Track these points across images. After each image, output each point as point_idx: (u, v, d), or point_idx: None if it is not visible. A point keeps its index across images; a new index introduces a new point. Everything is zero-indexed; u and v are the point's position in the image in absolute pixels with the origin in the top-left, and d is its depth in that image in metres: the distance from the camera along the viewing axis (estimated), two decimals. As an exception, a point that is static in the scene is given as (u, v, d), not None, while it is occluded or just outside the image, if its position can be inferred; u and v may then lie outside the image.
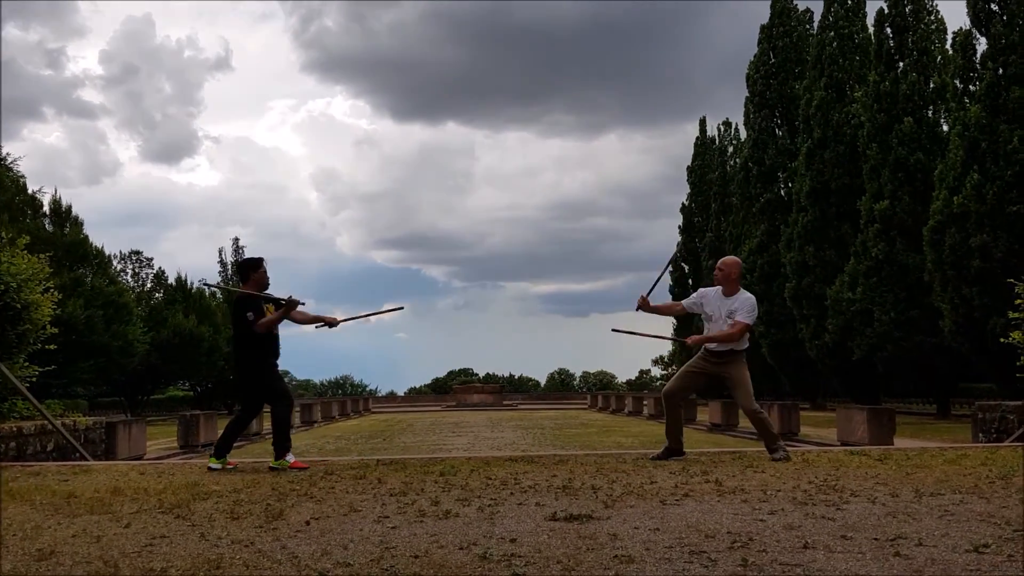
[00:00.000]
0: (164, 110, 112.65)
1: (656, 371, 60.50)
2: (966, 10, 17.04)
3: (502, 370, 69.95)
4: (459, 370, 67.92)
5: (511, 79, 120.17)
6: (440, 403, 40.93)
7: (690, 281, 37.82)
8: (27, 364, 8.30)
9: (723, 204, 34.48)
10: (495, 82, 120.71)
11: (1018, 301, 8.71)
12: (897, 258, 19.78)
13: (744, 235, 30.15)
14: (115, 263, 32.83)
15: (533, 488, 4.33)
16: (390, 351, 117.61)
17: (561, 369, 71.86)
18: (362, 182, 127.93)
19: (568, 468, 5.21)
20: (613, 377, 67.55)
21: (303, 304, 5.66)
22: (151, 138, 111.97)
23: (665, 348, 52.94)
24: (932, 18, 20.78)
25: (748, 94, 29.45)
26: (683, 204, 39.62)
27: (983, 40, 16.88)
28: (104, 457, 8.81)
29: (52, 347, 8.59)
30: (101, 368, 24.38)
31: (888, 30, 20.84)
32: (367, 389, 63.94)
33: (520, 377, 69.83)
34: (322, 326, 5.85)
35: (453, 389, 44.04)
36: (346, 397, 37.85)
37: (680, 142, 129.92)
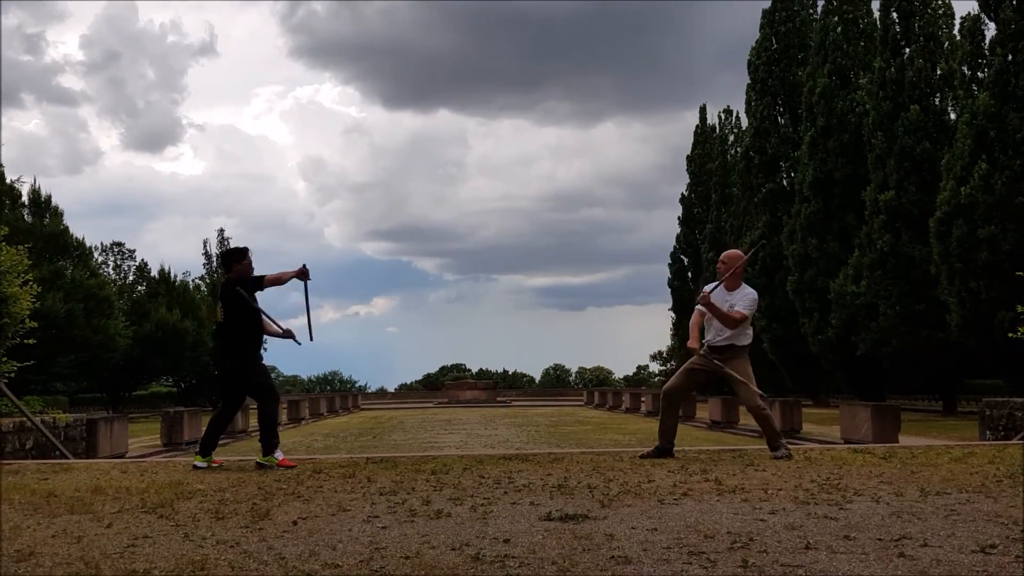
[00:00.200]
0: (147, 97, 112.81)
1: (654, 367, 60.58)
2: (974, -5, 16.89)
3: (496, 366, 70.38)
4: (451, 366, 68.18)
5: (505, 65, 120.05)
6: (432, 399, 40.91)
7: (689, 274, 37.75)
8: (5, 359, 8.26)
9: (723, 194, 34.35)
10: (489, 68, 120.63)
11: (1026, 293, 8.60)
12: (902, 250, 19.65)
13: (745, 226, 30.03)
14: (96, 255, 32.91)
15: (527, 487, 4.31)
16: (380, 346, 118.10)
17: (556, 365, 72.13)
18: (351, 171, 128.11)
19: (563, 467, 5.19)
20: (610, 373, 67.77)
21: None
22: (133, 126, 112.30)
23: (664, 343, 52.91)
24: (939, 2, 20.63)
25: (750, 81, 29.26)
26: (682, 194, 39.52)
27: (992, 25, 16.74)
28: (85, 455, 8.81)
29: (31, 342, 8.56)
30: (82, 363, 24.45)
31: (894, 15, 20.67)
32: (356, 385, 64.32)
33: (514, 373, 70.04)
34: (288, 339, 5.84)
35: (445, 385, 44.13)
36: (335, 393, 37.74)
37: (679, 130, 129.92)
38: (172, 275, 34.88)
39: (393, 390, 58.06)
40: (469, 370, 66.53)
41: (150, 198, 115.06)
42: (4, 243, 8.39)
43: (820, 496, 3.85)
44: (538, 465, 5.25)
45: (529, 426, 18.28)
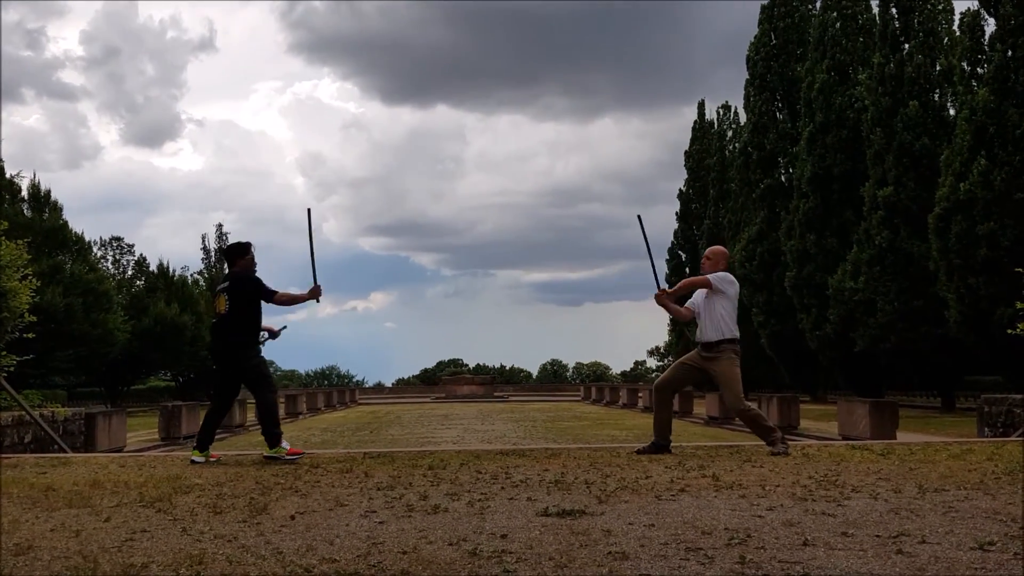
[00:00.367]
0: (146, 92, 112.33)
1: (652, 362, 60.62)
2: (974, -9, 16.85)
3: (493, 361, 70.18)
4: (448, 361, 68.15)
5: (504, 60, 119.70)
6: (429, 395, 40.92)
7: (687, 270, 37.73)
8: (4, 353, 8.25)
9: (722, 190, 34.33)
10: (487, 64, 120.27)
11: (1024, 290, 8.60)
12: (901, 246, 19.63)
13: (743, 222, 30.01)
14: (95, 250, 32.75)
15: (524, 482, 4.30)
16: (377, 341, 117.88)
17: (554, 360, 72.09)
18: (350, 167, 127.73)
19: (561, 462, 5.18)
20: (607, 368, 67.75)
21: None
22: (133, 121, 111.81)
23: (661, 338, 52.93)
24: (938, -2, 20.53)
25: (748, 76, 29.19)
26: (680, 190, 39.50)
27: (991, 21, 16.71)
28: (83, 449, 8.81)
29: (30, 336, 8.55)
30: (81, 358, 24.43)
31: (893, 10, 20.61)
32: (354, 380, 64.12)
33: (511, 368, 69.89)
34: (266, 338, 5.84)
35: (442, 380, 44.04)
36: (332, 388, 37.65)
37: (678, 126, 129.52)
38: (171, 270, 34.89)
39: (390, 385, 58.04)
40: (466, 365, 66.53)
41: (149, 193, 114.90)
42: (3, 238, 8.38)
43: (818, 493, 3.84)
44: (535, 460, 5.24)
45: (526, 421, 18.30)
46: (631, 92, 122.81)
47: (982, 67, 17.10)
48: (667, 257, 39.66)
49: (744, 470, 4.68)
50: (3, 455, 6.44)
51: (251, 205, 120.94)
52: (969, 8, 17.36)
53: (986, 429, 8.55)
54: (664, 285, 5.94)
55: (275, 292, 5.64)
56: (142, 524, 3.26)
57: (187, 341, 31.26)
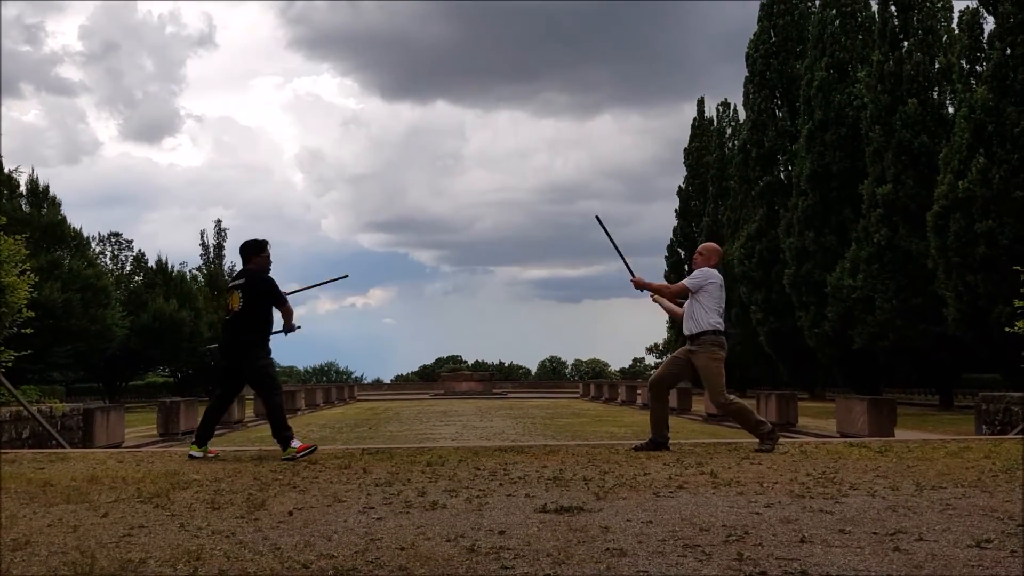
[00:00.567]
0: (145, 87, 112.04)
1: (650, 359, 60.63)
2: (973, -11, 16.82)
3: (492, 357, 70.12)
4: (447, 357, 68.03)
5: (503, 56, 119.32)
6: (428, 391, 40.94)
7: (686, 267, 37.72)
8: (2, 349, 8.25)
9: (721, 187, 34.33)
10: (487, 60, 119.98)
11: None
12: (900, 244, 19.63)
13: (742, 219, 30.01)
14: (94, 245, 32.73)
15: (523, 479, 4.30)
16: (376, 337, 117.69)
17: (553, 357, 71.95)
18: (349, 163, 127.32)
19: (559, 459, 5.18)
20: (606, 365, 67.67)
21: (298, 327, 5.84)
22: (132, 116, 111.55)
23: (660, 335, 52.92)
24: (938, -4, 20.49)
25: (748, 74, 29.19)
26: (680, 187, 39.48)
27: (990, 19, 16.69)
28: (81, 445, 8.82)
29: (28, 331, 8.55)
30: (79, 353, 24.39)
31: (892, 8, 20.58)
32: (352, 376, 63.85)
33: (510, 365, 69.80)
34: (277, 330, 5.85)
35: (441, 377, 43.99)
36: (331, 384, 37.51)
37: (677, 123, 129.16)
38: (169, 266, 34.81)
39: (389, 381, 58.02)
40: (465, 362, 66.49)
41: (148, 189, 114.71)
42: (2, 233, 8.37)
43: (816, 490, 3.85)
44: (533, 457, 5.25)
45: (525, 418, 18.30)
46: (631, 89, 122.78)
47: (981, 65, 17.08)
48: (666, 254, 39.69)
49: (742, 467, 4.68)
50: (1, 450, 6.44)
51: (250, 201, 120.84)
52: (968, 6, 17.41)
53: (984, 427, 8.56)
54: (640, 276, 6.05)
55: (286, 301, 5.68)
56: (140, 520, 3.25)
57: (185, 337, 31.21)
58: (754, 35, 28.90)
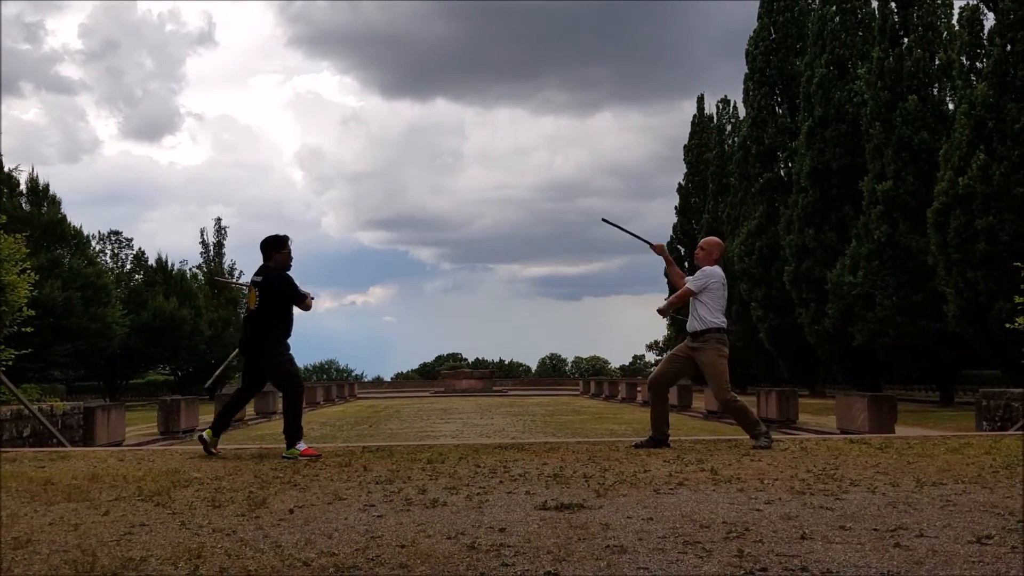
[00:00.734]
0: (145, 86, 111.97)
1: (650, 356, 60.62)
2: (973, -15, 16.80)
3: (492, 355, 70.26)
4: (448, 355, 68.01)
5: (503, 54, 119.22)
6: (428, 389, 41.01)
7: (686, 264, 37.71)
8: (3, 347, 8.26)
9: (721, 184, 34.29)
10: (486, 57, 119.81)
11: None
12: (900, 241, 19.62)
13: (742, 216, 29.99)
14: (94, 243, 32.68)
15: (523, 476, 4.30)
16: (377, 335, 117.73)
17: (553, 354, 72.00)
18: (349, 161, 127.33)
19: (559, 456, 5.18)
20: (606, 362, 67.66)
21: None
22: (132, 115, 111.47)
23: (660, 333, 52.91)
24: (938, -8, 20.45)
25: (747, 71, 29.14)
26: (679, 184, 39.46)
27: (991, 15, 16.64)
28: (82, 443, 8.83)
29: (29, 330, 8.56)
30: (79, 352, 24.38)
31: (892, 4, 20.54)
32: (353, 374, 63.87)
33: (510, 362, 69.92)
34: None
35: (441, 374, 44.04)
36: (331, 382, 37.46)
37: (677, 120, 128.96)
38: (170, 264, 34.78)
39: (389, 379, 58.05)
40: (465, 359, 66.47)
41: (148, 187, 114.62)
42: (2, 231, 8.37)
43: (816, 486, 3.85)
44: (534, 454, 5.24)
45: (525, 415, 18.31)
46: (630, 86, 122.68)
47: (981, 62, 17.05)
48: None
49: (742, 464, 4.68)
50: (2, 449, 6.44)
51: (250, 199, 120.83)
52: (968, 3, 17.31)
53: (984, 423, 8.57)
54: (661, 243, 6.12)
55: (305, 296, 5.66)
56: (141, 518, 3.26)
57: (186, 335, 31.21)
58: (754, 32, 28.85)
